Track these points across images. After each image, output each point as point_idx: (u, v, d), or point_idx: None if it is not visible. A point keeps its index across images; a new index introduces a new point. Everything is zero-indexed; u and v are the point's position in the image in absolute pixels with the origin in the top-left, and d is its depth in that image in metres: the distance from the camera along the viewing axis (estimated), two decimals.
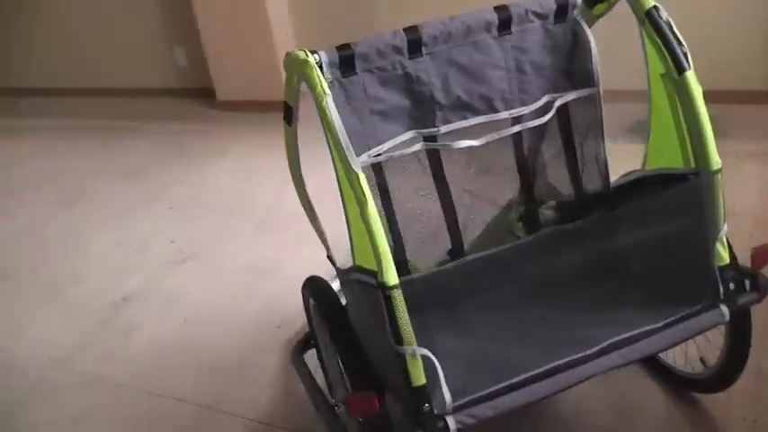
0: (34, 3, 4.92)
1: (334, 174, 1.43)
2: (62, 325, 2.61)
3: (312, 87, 1.34)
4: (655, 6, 1.44)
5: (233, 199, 3.35)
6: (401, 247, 1.69)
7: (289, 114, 1.53)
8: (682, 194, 1.52)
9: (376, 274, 1.26)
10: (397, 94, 1.55)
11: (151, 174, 3.74)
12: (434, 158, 1.65)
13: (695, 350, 1.79)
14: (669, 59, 1.42)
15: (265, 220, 3.09)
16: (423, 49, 1.52)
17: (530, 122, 1.65)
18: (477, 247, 1.76)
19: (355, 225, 1.39)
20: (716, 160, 1.39)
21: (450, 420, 1.26)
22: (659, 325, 1.41)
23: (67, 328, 2.59)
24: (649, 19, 1.43)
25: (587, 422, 1.82)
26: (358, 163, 1.29)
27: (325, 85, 1.33)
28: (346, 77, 1.49)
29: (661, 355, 1.83)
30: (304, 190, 1.67)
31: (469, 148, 1.62)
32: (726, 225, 1.42)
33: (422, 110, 1.58)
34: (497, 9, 1.55)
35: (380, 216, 1.55)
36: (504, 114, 1.63)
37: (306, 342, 2.08)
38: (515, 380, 1.33)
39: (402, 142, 1.60)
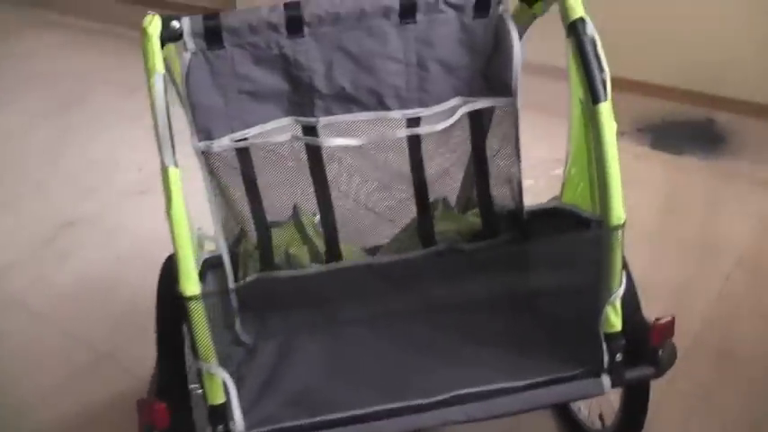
0: None
1: None
2: (3, 238, 2.58)
3: (144, 60, 1.17)
4: (581, 18, 1.20)
5: None
6: (267, 237, 1.54)
7: None
8: (580, 244, 1.32)
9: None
10: (272, 76, 1.37)
11: None
12: (314, 154, 1.47)
13: (596, 404, 1.60)
14: (586, 85, 1.19)
15: None
16: (304, 29, 1.32)
17: (430, 126, 1.44)
18: (357, 255, 1.59)
19: None
20: (617, 215, 1.18)
21: None
22: (519, 384, 1.25)
23: (7, 242, 2.55)
24: (572, 32, 1.20)
25: None
26: (171, 157, 1.14)
27: (158, 59, 1.16)
28: (212, 50, 1.31)
29: None
30: None
31: (356, 147, 1.43)
32: (622, 288, 1.23)
33: (301, 96, 1.40)
34: None
35: (243, 204, 1.42)
36: (397, 114, 1.43)
37: None
38: (330, 417, 1.20)
39: (275, 129, 1.42)
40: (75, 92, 3.60)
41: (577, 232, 1.34)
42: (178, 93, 1.33)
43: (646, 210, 2.38)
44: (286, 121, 1.42)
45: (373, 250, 1.61)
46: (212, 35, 1.29)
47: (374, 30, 1.34)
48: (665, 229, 2.34)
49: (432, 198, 1.57)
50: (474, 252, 1.58)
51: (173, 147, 1.15)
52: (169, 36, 1.26)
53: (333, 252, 1.58)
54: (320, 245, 1.57)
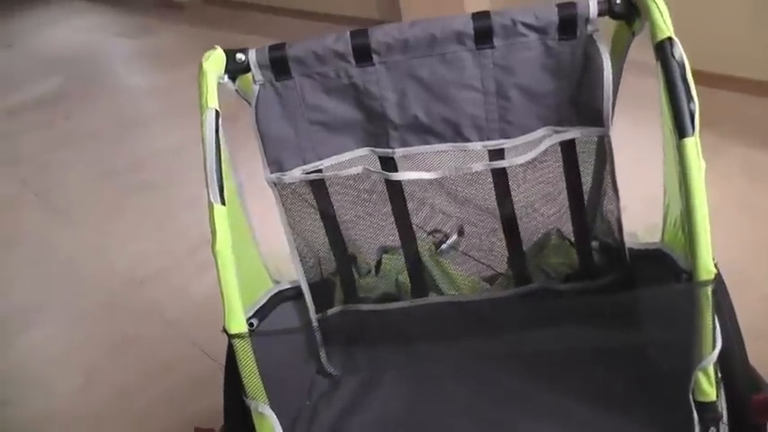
0: None
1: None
2: (156, 248, 2.75)
3: (198, 94, 1.17)
4: (669, 39, 1.05)
5: None
6: (348, 269, 1.51)
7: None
8: (678, 295, 1.16)
9: None
10: (343, 105, 1.32)
11: None
12: (393, 187, 1.41)
13: None
14: (671, 115, 1.04)
15: None
16: (373, 57, 1.26)
17: (515, 159, 1.32)
18: (443, 290, 1.51)
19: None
20: (706, 268, 1.02)
21: None
22: None
23: (159, 252, 2.71)
24: (660, 53, 1.05)
25: None
26: (218, 194, 1.13)
27: (211, 95, 1.16)
28: (281, 81, 1.29)
29: None
30: None
31: (438, 181, 1.35)
32: (715, 352, 1.05)
33: (375, 126, 1.34)
34: (476, 16, 1.23)
35: (320, 236, 1.39)
36: (477, 145, 1.32)
37: None
38: None
39: (351, 160, 1.37)
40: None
41: (674, 283, 1.16)
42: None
43: None
44: (361, 152, 1.37)
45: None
46: (279, 66, 1.27)
47: (448, 57, 1.25)
48: None
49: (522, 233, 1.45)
50: (570, 294, 1.43)
51: (221, 184, 1.13)
52: (236, 69, 1.26)
53: (419, 288, 1.50)
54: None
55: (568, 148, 1.33)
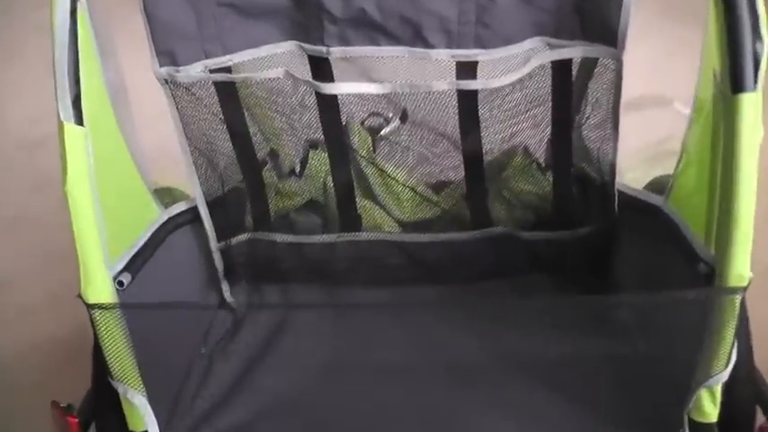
0: None
1: None
2: None
3: None
4: None
5: None
6: (259, 187, 1.20)
7: None
8: (682, 297, 0.89)
9: None
10: None
11: None
12: (326, 102, 1.06)
13: None
14: (725, 61, 0.73)
15: None
16: None
17: (491, 81, 0.99)
18: (382, 227, 1.20)
19: None
20: (740, 274, 0.77)
21: None
22: None
23: None
24: None
25: None
26: (69, 109, 0.78)
27: None
28: None
29: None
30: None
31: (386, 98, 1.02)
32: (727, 371, 0.83)
33: (306, 15, 0.98)
34: None
35: (222, 148, 1.07)
36: (443, 54, 0.98)
37: None
38: None
39: (270, 57, 1.02)
40: None
41: (680, 267, 0.89)
42: None
43: None
44: (285, 46, 1.02)
45: (406, 224, 1.21)
46: None
47: None
48: None
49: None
50: (537, 246, 1.15)
51: (76, 94, 0.78)
52: None
53: (349, 220, 1.20)
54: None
55: (562, 69, 1.01)
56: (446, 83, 0.99)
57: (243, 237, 1.20)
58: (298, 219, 1.24)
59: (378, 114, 1.19)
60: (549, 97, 1.03)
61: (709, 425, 0.85)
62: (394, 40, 0.98)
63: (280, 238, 1.20)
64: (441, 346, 1.07)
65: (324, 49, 1.00)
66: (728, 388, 0.85)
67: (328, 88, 1.00)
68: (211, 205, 1.14)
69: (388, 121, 1.21)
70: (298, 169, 1.23)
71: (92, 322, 0.84)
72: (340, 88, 1.01)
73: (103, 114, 0.91)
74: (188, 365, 1.10)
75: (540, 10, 0.95)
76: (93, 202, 0.81)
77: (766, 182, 0.78)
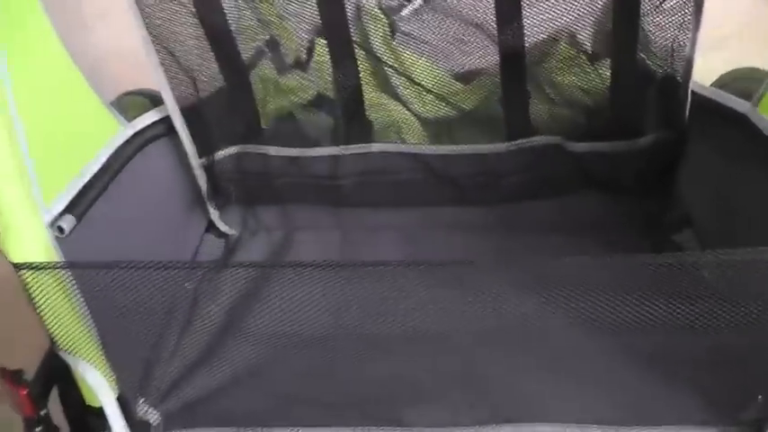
0: None
1: None
2: None
3: None
4: None
5: None
6: (246, 91, 0.98)
7: None
8: None
9: None
10: None
11: None
12: None
13: None
14: None
15: None
16: None
17: None
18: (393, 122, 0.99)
19: None
20: None
21: None
22: None
23: None
24: None
25: None
26: None
27: None
28: None
29: None
30: None
31: None
32: None
33: None
34: None
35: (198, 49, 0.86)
36: None
37: None
38: None
39: None
40: None
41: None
42: None
43: None
44: None
45: (427, 121, 1.00)
46: None
47: None
48: None
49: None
50: (587, 159, 0.94)
51: None
52: None
53: (356, 127, 0.98)
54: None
55: None
56: None
57: (230, 150, 1.00)
58: (301, 119, 1.03)
59: None
60: None
61: None
62: None
63: (274, 150, 0.99)
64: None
65: None
66: None
67: None
68: (187, 113, 0.93)
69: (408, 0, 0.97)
70: (304, 58, 1.00)
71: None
72: None
73: (33, 22, 0.69)
74: (168, 311, 0.92)
75: None
76: (8, 133, 0.61)
77: None
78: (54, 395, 0.77)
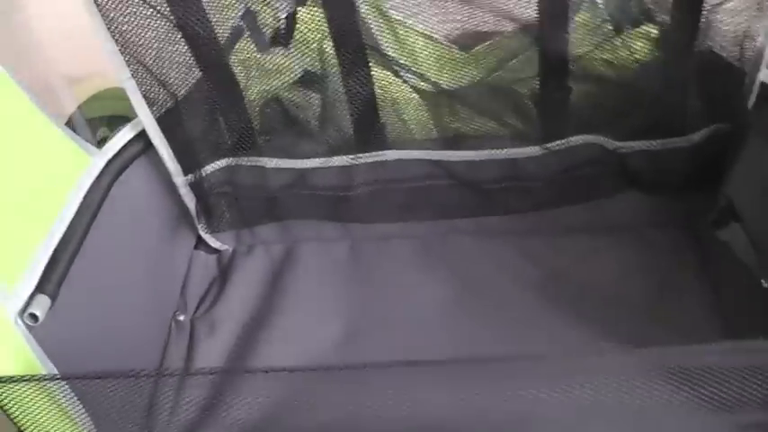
0: None
1: None
2: None
3: None
4: None
5: None
6: (235, 96, 0.84)
7: None
8: None
9: None
10: None
11: None
12: None
13: None
14: None
15: None
16: None
17: None
18: (414, 142, 0.85)
19: None
20: None
21: None
22: None
23: None
24: None
25: None
26: None
27: None
28: None
29: None
30: None
31: None
32: None
33: None
34: None
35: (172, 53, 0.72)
36: None
37: None
38: None
39: None
40: None
41: None
42: None
43: None
44: None
45: (448, 138, 0.86)
46: None
47: None
48: None
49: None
50: (631, 160, 0.82)
51: None
52: None
53: (367, 134, 0.85)
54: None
55: None
56: None
57: (218, 164, 0.86)
58: (290, 100, 0.89)
59: None
60: None
61: None
62: None
63: (271, 162, 0.86)
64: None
65: None
66: None
67: None
68: (167, 127, 0.79)
69: None
70: (283, 29, 0.85)
71: None
72: None
73: None
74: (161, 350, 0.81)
75: None
76: None
77: None
78: None
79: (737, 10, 0.70)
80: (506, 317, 0.83)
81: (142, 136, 0.79)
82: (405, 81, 0.87)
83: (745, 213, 0.85)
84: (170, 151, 0.81)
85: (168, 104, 0.78)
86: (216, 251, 0.95)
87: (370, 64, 0.81)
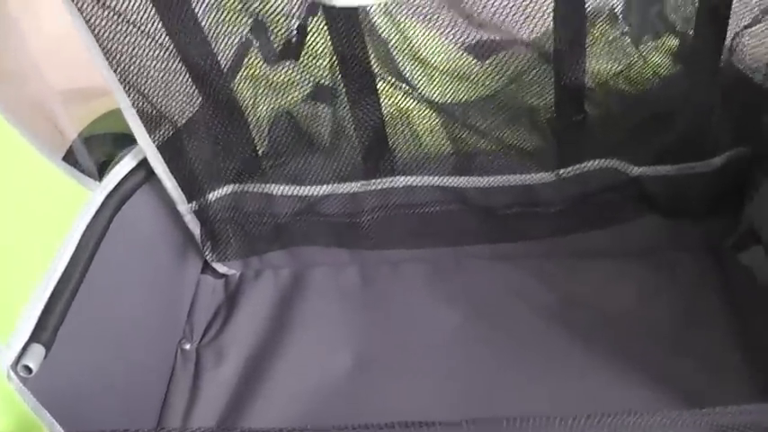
0: None
1: None
2: None
3: None
4: None
5: None
6: (240, 122, 0.80)
7: None
8: None
9: None
10: None
11: None
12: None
13: None
14: None
15: None
16: None
17: None
18: (427, 167, 0.82)
19: None
20: None
21: None
22: None
23: None
24: None
25: None
26: None
27: None
28: None
29: None
30: None
31: None
32: None
33: None
34: None
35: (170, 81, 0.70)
36: None
37: None
38: None
39: None
40: None
41: None
42: None
43: None
44: None
45: (460, 163, 0.83)
46: None
47: None
48: None
49: None
50: (649, 184, 0.79)
51: None
52: None
53: (376, 161, 0.82)
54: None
55: None
56: None
57: (224, 190, 0.84)
58: (300, 113, 0.86)
59: None
60: None
61: None
62: None
63: (277, 189, 0.83)
64: None
65: None
66: None
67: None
68: (169, 155, 0.77)
69: None
70: (294, 39, 0.82)
71: None
72: None
73: None
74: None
75: None
76: None
77: None
78: None
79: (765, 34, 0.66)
80: (522, 344, 0.81)
81: (143, 165, 0.77)
82: (415, 99, 0.84)
83: (766, 235, 0.82)
84: (173, 180, 0.79)
85: (170, 132, 0.76)
86: (223, 275, 0.93)
87: (378, 87, 0.78)
